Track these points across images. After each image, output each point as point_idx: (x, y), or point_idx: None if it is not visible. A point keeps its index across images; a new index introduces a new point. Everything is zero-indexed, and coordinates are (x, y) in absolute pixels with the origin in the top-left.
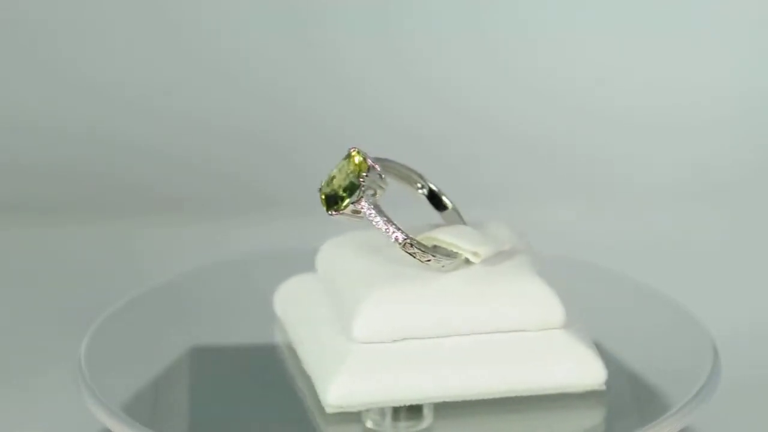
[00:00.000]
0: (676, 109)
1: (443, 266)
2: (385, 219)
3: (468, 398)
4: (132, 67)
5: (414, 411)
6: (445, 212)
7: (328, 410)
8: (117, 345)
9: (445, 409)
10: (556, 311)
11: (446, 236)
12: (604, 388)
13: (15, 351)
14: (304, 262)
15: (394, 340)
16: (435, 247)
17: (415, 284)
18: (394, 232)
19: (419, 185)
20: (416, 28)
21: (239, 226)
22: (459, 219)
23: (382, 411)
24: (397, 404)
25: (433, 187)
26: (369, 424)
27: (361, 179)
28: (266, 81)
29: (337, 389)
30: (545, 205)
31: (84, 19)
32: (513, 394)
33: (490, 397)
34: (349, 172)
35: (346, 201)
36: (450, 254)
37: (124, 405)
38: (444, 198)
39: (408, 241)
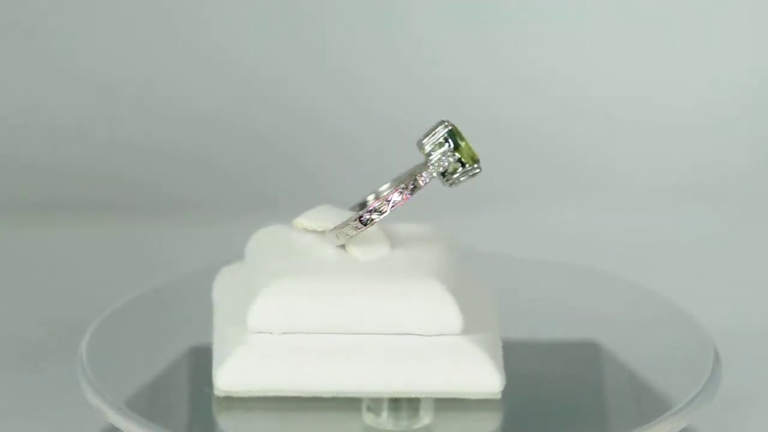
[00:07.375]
0: (676, 109)
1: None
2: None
3: (347, 395)
4: (133, 67)
5: (412, 408)
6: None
7: (217, 393)
8: (117, 345)
9: (446, 407)
10: (453, 318)
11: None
12: (499, 396)
13: (17, 350)
14: None
15: (285, 333)
16: None
17: (314, 277)
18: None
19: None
20: (417, 27)
21: (239, 226)
22: None
23: (379, 408)
24: (282, 394)
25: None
26: (368, 421)
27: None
28: (267, 81)
29: (225, 375)
30: (545, 205)
31: (85, 20)
32: (402, 395)
33: (376, 396)
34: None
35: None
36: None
37: (124, 402)
38: None
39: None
